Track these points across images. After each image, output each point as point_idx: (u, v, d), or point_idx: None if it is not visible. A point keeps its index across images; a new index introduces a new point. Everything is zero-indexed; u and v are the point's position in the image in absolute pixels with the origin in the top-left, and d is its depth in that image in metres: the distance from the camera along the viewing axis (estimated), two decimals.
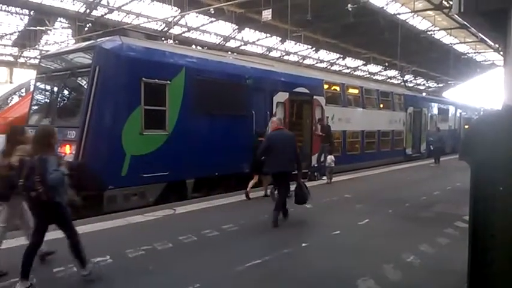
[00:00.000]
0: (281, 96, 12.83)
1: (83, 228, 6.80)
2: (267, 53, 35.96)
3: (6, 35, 25.83)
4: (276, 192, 8.31)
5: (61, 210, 4.60)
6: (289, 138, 7.68)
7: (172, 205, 8.85)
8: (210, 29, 30.99)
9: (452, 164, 17.12)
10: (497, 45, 25.78)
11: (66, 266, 5.07)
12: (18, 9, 24.25)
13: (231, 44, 33.38)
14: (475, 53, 42.72)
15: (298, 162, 7.71)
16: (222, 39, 32.45)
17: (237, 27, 30.75)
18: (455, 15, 5.59)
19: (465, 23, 6.51)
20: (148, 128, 9.27)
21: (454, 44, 37.96)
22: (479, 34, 10.47)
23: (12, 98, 12.03)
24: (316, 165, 13.57)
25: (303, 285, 4.77)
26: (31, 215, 4.84)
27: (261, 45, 35.43)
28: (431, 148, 20.93)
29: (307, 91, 14.05)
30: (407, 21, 31.33)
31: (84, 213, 8.14)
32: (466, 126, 26.42)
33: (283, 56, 37.44)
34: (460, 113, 29.11)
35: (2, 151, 5.07)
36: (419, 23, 33.44)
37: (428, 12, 29.84)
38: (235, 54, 21.06)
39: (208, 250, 5.94)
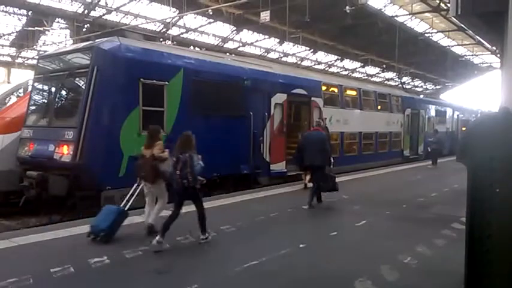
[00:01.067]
0: (279, 98, 12.86)
1: (80, 229, 6.83)
2: (265, 54, 35.99)
3: (4, 35, 25.75)
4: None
5: (197, 191, 6.24)
6: (321, 138, 9.28)
7: (170, 206, 8.81)
8: (208, 30, 30.98)
9: (449, 166, 17.16)
10: (494, 48, 25.87)
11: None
12: (16, 10, 24.16)
13: (229, 45, 33.39)
14: (472, 55, 42.89)
15: (327, 157, 9.29)
16: (220, 40, 32.45)
17: (235, 28, 30.74)
18: (453, 18, 5.62)
19: (462, 25, 6.54)
20: (146, 129, 9.24)
21: (452, 46, 38.12)
22: (477, 36, 10.53)
23: (10, 98, 11.99)
24: None
25: (300, 286, 4.78)
26: (167, 195, 6.79)
27: (259, 47, 35.45)
28: (429, 150, 20.99)
29: (305, 92, 14.08)
30: (405, 23, 31.42)
31: (81, 214, 8.17)
32: (464, 129, 26.50)
33: (281, 57, 37.45)
34: (458, 115, 29.22)
35: (144, 145, 6.84)
36: (417, 25, 33.53)
37: (426, 14, 29.95)
38: (233, 55, 21.08)
39: (206, 251, 5.95)
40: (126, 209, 6.64)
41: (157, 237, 5.84)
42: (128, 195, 6.77)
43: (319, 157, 8.96)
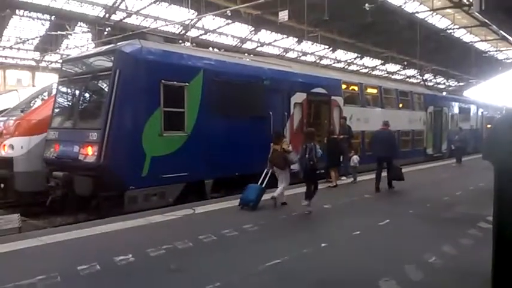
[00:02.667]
0: (299, 97, 12.82)
1: (104, 228, 6.98)
2: (284, 53, 35.92)
3: (28, 40, 26.44)
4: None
5: (316, 171, 8.53)
6: (388, 135, 11.55)
7: (191, 205, 8.93)
8: (226, 31, 31.14)
9: (474, 164, 16.80)
10: None
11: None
12: (39, 15, 24.81)
13: (248, 45, 33.47)
14: (496, 51, 41.84)
15: (395, 151, 11.75)
16: (238, 41, 32.57)
17: (253, 28, 30.81)
18: (476, 13, 5.50)
19: (486, 20, 6.38)
20: (167, 130, 9.39)
21: (475, 42, 37.23)
22: (501, 31, 10.25)
23: (35, 101, 12.29)
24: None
25: (322, 285, 4.76)
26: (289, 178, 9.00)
27: (277, 46, 35.42)
28: (453, 148, 20.57)
29: (325, 91, 13.99)
30: (426, 19, 30.88)
31: (105, 213, 8.33)
32: (489, 126, 25.87)
33: (299, 56, 37.33)
34: (482, 112, 28.53)
35: (273, 142, 9.01)
36: (439, 22, 32.92)
37: (448, 10, 29.36)
38: (252, 55, 21.11)
39: (228, 249, 5.98)
40: (263, 186, 8.93)
41: (305, 202, 8.27)
42: (262, 177, 9.17)
43: (388, 150, 11.04)
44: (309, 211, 8.25)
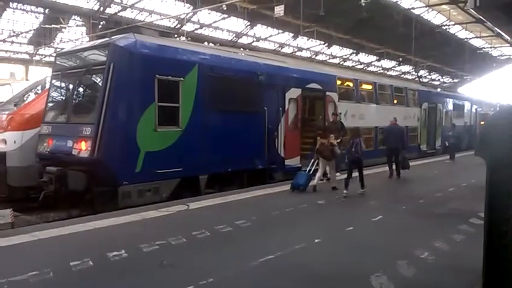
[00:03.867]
0: (294, 93, 12.81)
1: (98, 223, 6.96)
2: (279, 49, 35.84)
3: (21, 33, 26.17)
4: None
5: (362, 162, 10.22)
6: (398, 129, 13.99)
7: (185, 201, 8.92)
8: (222, 26, 30.99)
9: (467, 161, 16.89)
10: None
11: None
12: (33, 8, 24.54)
13: (243, 40, 33.34)
14: (491, 47, 41.97)
15: (404, 144, 13.86)
16: (234, 35, 32.44)
17: (249, 23, 30.69)
18: (471, 10, 5.51)
19: (481, 17, 6.39)
20: (162, 125, 9.35)
21: (470, 39, 37.35)
22: (496, 28, 10.29)
23: (29, 95, 12.19)
24: None
25: (315, 280, 4.78)
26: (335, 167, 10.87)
27: (273, 42, 35.32)
28: (447, 144, 20.66)
29: (320, 87, 13.99)
30: (421, 15, 30.88)
31: (99, 209, 8.30)
32: (482, 122, 26.00)
33: (295, 52, 37.26)
34: (476, 109, 28.67)
35: (321, 136, 10.77)
36: (434, 18, 32.95)
37: (443, 6, 29.38)
38: (247, 50, 21.05)
39: (221, 245, 5.99)
40: (310, 173, 10.56)
41: (344, 191, 9.58)
42: (309, 166, 11.01)
43: (398, 143, 13.26)
44: (362, 192, 10.03)
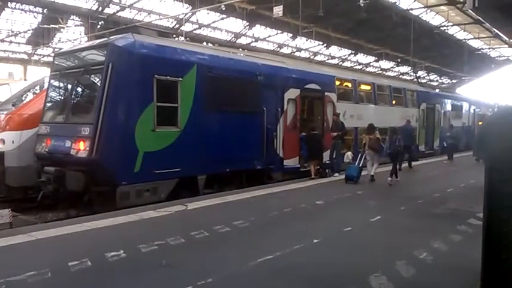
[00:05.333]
0: (292, 93, 12.81)
1: (96, 223, 6.94)
2: (278, 49, 35.85)
3: (20, 33, 26.13)
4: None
5: (400, 155, 12.91)
6: (410, 128, 16.10)
7: (184, 201, 8.91)
8: (221, 26, 31.00)
9: (465, 161, 16.92)
10: None
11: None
12: (31, 7, 24.52)
13: (242, 40, 33.35)
14: (489, 48, 42.05)
15: (414, 140, 16.50)
16: (233, 36, 32.44)
17: (248, 23, 30.70)
18: (470, 11, 5.52)
19: (479, 18, 6.40)
20: (160, 125, 9.34)
21: (468, 40, 37.41)
22: (494, 29, 10.32)
23: (27, 95, 12.16)
24: (328, 161, 13.51)
25: (314, 281, 4.78)
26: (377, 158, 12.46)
27: (272, 42, 35.33)
28: (445, 145, 20.68)
29: (318, 87, 14.00)
30: (420, 16, 30.93)
31: (97, 209, 8.29)
32: (480, 123, 26.04)
33: (294, 52, 37.26)
34: (474, 110, 28.72)
35: (366, 133, 12.53)
36: (433, 19, 32.99)
37: (442, 7, 29.43)
38: (246, 51, 21.06)
39: (220, 245, 5.98)
40: (360, 165, 12.27)
41: (389, 179, 11.68)
42: (358, 159, 12.72)
43: (409, 140, 14.95)
44: (392, 183, 11.62)
